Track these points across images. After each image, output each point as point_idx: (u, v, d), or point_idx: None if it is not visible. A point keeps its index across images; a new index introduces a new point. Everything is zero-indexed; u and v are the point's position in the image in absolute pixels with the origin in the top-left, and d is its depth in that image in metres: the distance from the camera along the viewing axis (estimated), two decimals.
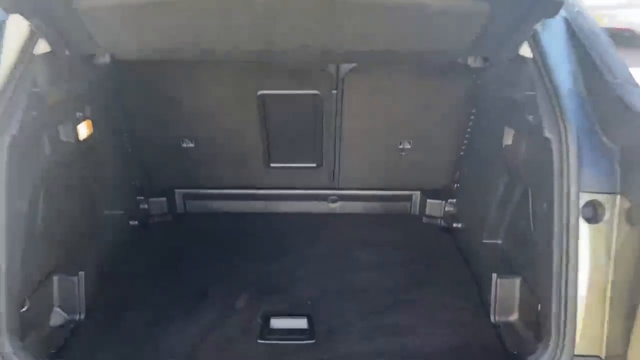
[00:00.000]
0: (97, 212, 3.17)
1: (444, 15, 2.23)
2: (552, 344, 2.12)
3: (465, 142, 3.48)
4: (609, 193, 2.10)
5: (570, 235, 2.07)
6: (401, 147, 3.58)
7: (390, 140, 3.55)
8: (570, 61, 2.37)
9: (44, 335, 2.47)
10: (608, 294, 2.11)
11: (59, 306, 2.63)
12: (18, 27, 2.28)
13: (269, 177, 3.74)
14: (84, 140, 2.84)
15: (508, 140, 2.70)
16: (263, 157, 3.60)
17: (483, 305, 2.81)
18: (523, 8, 2.17)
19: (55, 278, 2.63)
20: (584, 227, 2.11)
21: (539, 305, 2.31)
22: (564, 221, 2.08)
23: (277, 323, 2.70)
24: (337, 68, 3.20)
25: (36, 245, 2.44)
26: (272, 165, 3.65)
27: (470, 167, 3.42)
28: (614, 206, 2.09)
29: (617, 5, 12.03)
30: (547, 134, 2.16)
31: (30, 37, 2.29)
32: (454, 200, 3.65)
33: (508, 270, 2.75)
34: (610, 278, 2.10)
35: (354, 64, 3.16)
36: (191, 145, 3.55)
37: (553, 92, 2.21)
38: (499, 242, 3.01)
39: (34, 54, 2.32)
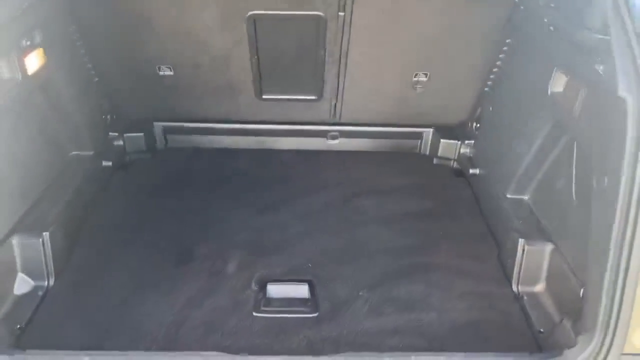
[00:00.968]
0: (61, 155, 2.80)
1: None
2: (597, 338, 1.83)
3: (492, 76, 3.01)
4: None
5: (638, 219, 1.69)
6: (416, 79, 3.09)
7: (404, 71, 3.09)
8: None
9: (8, 306, 2.19)
10: None
11: (24, 272, 2.33)
12: None
13: (261, 110, 3.32)
14: (35, 73, 2.33)
15: (558, 86, 2.26)
16: (254, 88, 3.15)
17: (503, 269, 2.52)
18: None
19: (15, 239, 2.29)
20: None
21: (582, 290, 2.00)
22: (633, 201, 1.69)
23: (274, 291, 2.39)
24: None
25: None
26: (264, 97, 3.23)
27: (496, 107, 2.97)
28: None
29: None
30: (622, 92, 1.70)
31: None
32: (472, 142, 3.25)
33: (536, 233, 2.42)
34: None
35: None
36: (169, 72, 3.06)
37: (636, 40, 1.71)
38: (526, 198, 2.65)
39: None
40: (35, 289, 2.34)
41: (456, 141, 3.33)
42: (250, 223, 2.82)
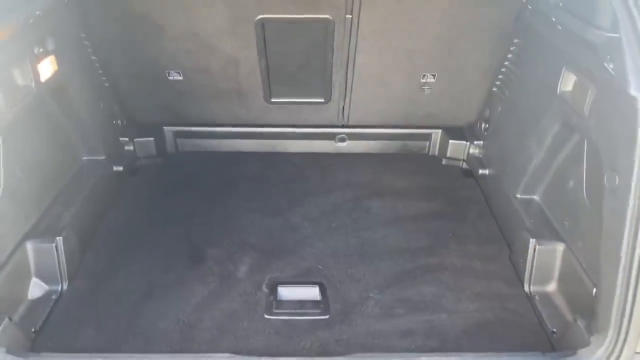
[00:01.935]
0: (73, 161, 2.83)
1: None
2: (610, 337, 1.82)
3: (501, 76, 3.00)
4: None
5: None
6: (424, 80, 3.08)
7: (411, 73, 3.08)
8: None
9: (23, 310, 2.22)
10: None
11: (38, 276, 2.35)
12: None
13: (270, 114, 3.33)
14: (48, 80, 2.36)
15: (567, 85, 2.24)
16: (263, 91, 3.16)
17: (514, 268, 2.51)
18: None
19: (29, 244, 2.31)
20: None
21: (594, 290, 1.99)
22: None
23: (285, 293, 2.40)
24: None
25: (1, 208, 2.11)
26: (273, 100, 3.23)
27: (505, 107, 2.96)
28: None
29: None
30: (634, 91, 1.69)
31: None
32: (481, 142, 3.24)
33: (547, 233, 2.41)
34: None
35: None
36: (179, 77, 3.08)
37: None
38: (536, 198, 2.64)
39: None
40: (49, 293, 2.36)
41: (465, 142, 3.32)
42: (261, 226, 2.83)
